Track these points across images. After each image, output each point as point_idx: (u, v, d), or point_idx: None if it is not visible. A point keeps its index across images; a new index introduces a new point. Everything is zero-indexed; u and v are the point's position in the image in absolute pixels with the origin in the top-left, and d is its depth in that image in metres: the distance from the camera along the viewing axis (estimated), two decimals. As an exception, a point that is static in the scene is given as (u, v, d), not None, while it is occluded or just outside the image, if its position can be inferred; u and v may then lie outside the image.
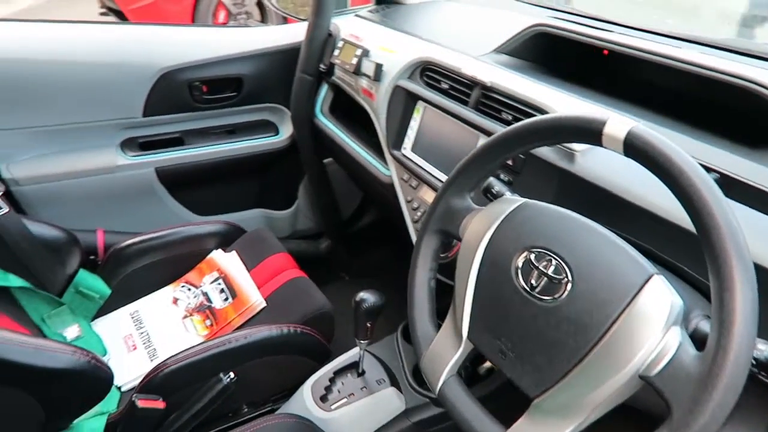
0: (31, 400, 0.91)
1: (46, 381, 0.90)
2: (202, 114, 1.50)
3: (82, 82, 1.33)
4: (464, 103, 1.01)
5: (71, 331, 1.24)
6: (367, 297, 0.98)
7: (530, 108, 0.88)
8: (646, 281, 0.56)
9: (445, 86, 1.06)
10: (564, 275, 0.60)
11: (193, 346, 1.11)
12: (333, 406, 1.02)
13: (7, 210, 1.17)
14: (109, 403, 1.08)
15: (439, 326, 0.75)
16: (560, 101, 0.87)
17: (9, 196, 1.33)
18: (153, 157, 1.47)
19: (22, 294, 1.20)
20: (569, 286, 0.59)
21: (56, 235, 1.25)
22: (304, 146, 1.56)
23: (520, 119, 0.90)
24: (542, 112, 0.86)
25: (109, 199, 1.45)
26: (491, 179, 0.85)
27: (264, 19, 4.46)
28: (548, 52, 1.10)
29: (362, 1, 1.62)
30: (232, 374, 0.99)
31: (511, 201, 0.71)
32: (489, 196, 0.81)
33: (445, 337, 0.72)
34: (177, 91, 1.43)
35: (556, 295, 0.60)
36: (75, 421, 1.01)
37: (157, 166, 1.48)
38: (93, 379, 0.95)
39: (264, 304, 1.27)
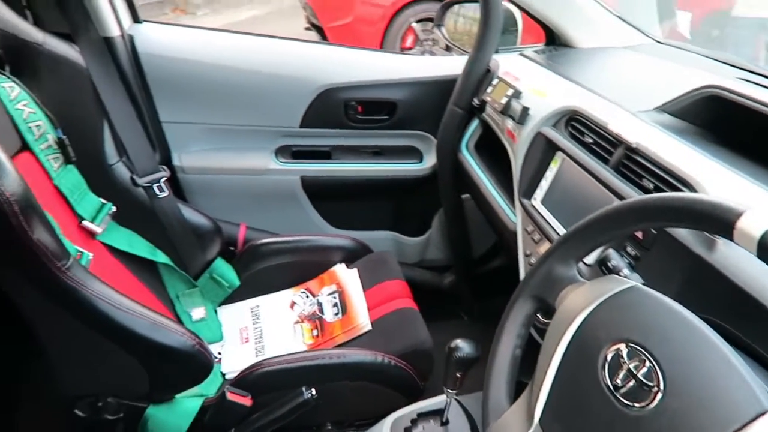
0: (141, 369, 1.00)
1: (155, 354, 0.98)
2: (353, 132, 1.56)
3: (252, 89, 1.46)
4: (605, 161, 0.92)
5: (198, 312, 1.35)
6: (462, 346, 0.94)
7: (674, 178, 0.78)
8: (757, 417, 0.45)
9: (588, 140, 0.98)
10: (655, 383, 0.51)
11: (293, 353, 1.15)
12: (408, 448, 0.99)
13: (167, 194, 1.31)
14: (210, 388, 1.15)
15: (515, 399, 0.68)
16: (711, 176, 0.75)
17: (174, 182, 1.49)
18: (301, 165, 1.56)
19: (165, 270, 1.33)
20: (659, 396, 0.50)
21: (203, 223, 1.38)
22: (445, 178, 1.54)
23: (663, 190, 0.79)
24: (686, 185, 0.75)
25: (255, 198, 1.57)
26: (611, 251, 0.77)
27: (449, 48, 4.56)
28: (721, 118, 0.97)
29: (533, 40, 1.57)
30: (314, 390, 1.00)
31: (620, 281, 0.63)
32: (603, 269, 0.73)
33: (517, 414, 0.65)
34: (333, 108, 1.51)
35: (642, 404, 0.51)
36: (177, 396, 1.09)
37: (303, 175, 1.56)
38: (196, 362, 1.02)
39: (369, 327, 1.27)
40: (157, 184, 1.30)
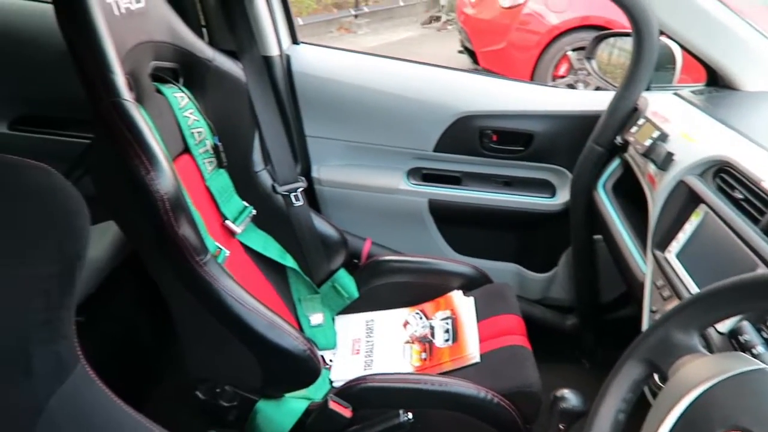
0: (256, 364, 1.08)
1: (270, 353, 1.05)
2: (486, 160, 1.55)
3: (392, 111, 1.51)
4: (755, 221, 0.83)
5: (316, 318, 1.42)
6: (569, 397, 0.89)
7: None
8: None
9: (738, 195, 0.89)
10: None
11: (397, 374, 1.17)
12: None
13: (302, 203, 1.40)
14: (317, 393, 1.20)
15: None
16: None
17: (310, 193, 1.59)
18: (430, 189, 1.58)
19: (291, 273, 1.42)
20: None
21: (332, 234, 1.45)
22: (577, 216, 1.48)
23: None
24: None
25: (383, 216, 1.62)
26: (746, 323, 0.69)
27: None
28: None
29: (693, 80, 1.46)
30: (411, 414, 1.00)
31: (747, 361, 0.56)
32: (733, 342, 0.65)
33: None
34: (468, 135, 1.51)
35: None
36: (285, 395, 1.16)
37: (431, 198, 1.58)
38: (305, 366, 1.07)
39: (478, 359, 1.25)
40: (295, 194, 1.39)
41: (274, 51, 1.48)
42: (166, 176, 0.92)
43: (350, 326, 1.45)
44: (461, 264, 1.51)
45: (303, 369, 1.07)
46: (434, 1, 8.07)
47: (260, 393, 1.14)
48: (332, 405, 1.05)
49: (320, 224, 1.44)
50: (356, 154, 1.58)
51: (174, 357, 1.24)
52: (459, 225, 1.64)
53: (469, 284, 1.47)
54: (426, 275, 1.48)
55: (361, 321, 1.46)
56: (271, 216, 1.38)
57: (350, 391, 1.10)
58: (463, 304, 1.41)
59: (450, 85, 1.54)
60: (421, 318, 1.42)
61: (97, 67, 0.93)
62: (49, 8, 1.66)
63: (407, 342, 1.37)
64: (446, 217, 1.62)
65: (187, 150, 1.22)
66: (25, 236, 0.68)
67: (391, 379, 1.10)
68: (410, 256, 1.50)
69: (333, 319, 1.47)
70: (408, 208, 1.60)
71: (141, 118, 0.93)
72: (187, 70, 1.24)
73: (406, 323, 1.42)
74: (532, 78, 4.37)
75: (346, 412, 1.06)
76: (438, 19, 7.28)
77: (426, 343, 1.35)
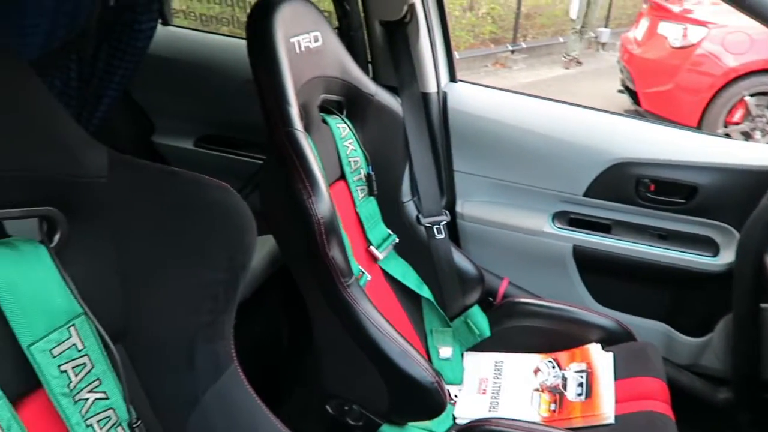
0: (384, 389, 1.11)
1: (398, 379, 1.08)
2: (640, 210, 1.47)
3: (543, 152, 1.50)
4: None
5: (445, 351, 1.43)
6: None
7: None
8: None
9: None
10: None
11: (524, 421, 1.14)
12: None
13: (444, 236, 1.43)
14: (439, 427, 1.21)
15: None
16: None
17: (452, 227, 1.61)
18: (576, 234, 1.53)
19: (426, 304, 1.44)
20: None
21: (470, 270, 1.46)
22: (743, 281, 1.34)
23: None
24: None
25: (523, 257, 1.59)
26: None
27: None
28: None
29: None
30: None
31: None
32: None
33: None
34: (623, 182, 1.45)
35: None
36: (408, 424, 1.18)
37: (576, 244, 1.53)
38: (431, 398, 1.09)
39: (611, 420, 1.18)
40: (437, 226, 1.42)
41: (432, 88, 1.53)
42: (324, 202, 1.00)
43: (479, 365, 1.43)
44: (603, 316, 1.44)
45: (429, 400, 1.09)
46: (595, 41, 7.81)
47: (385, 418, 1.17)
48: (452, 443, 1.05)
49: (459, 259, 1.45)
50: (502, 192, 1.58)
51: (307, 369, 1.32)
52: (604, 275, 1.56)
53: (609, 338, 1.39)
54: (563, 323, 1.43)
55: (491, 361, 1.44)
56: (412, 245, 1.43)
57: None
58: (601, 358, 1.34)
59: (607, 129, 1.49)
60: (553, 367, 1.37)
61: (276, 99, 1.04)
62: (236, 43, 1.88)
63: (537, 390, 1.33)
64: (591, 265, 1.55)
65: (343, 177, 1.31)
66: (202, 246, 0.78)
67: (517, 425, 1.08)
68: (548, 301, 1.46)
69: (462, 355, 1.47)
70: (550, 251, 1.56)
71: (308, 147, 1.03)
72: (351, 103, 1.33)
73: (537, 370, 1.38)
74: (700, 123, 4.05)
75: (467, 452, 1.06)
76: (578, 62, 7.02)
77: (556, 393, 1.30)
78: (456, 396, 1.36)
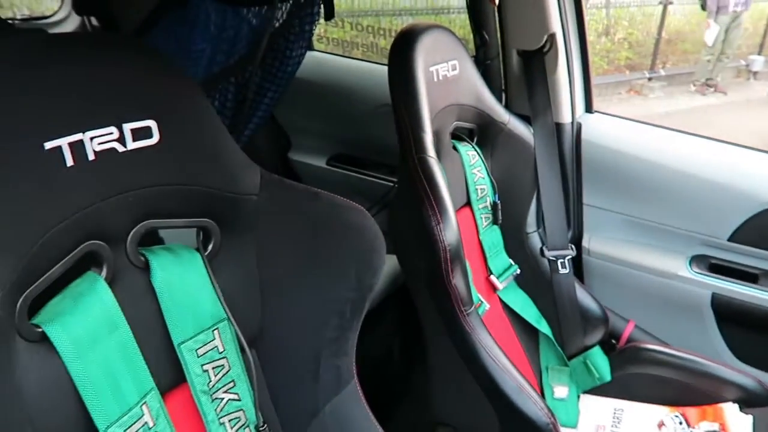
0: (496, 422, 1.09)
1: (511, 415, 1.06)
2: None
3: (683, 190, 1.40)
4: None
5: (560, 391, 1.37)
6: None
7: None
8: None
9: None
10: None
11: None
12: None
13: (568, 271, 1.38)
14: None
15: None
16: None
17: (577, 262, 1.55)
18: (718, 282, 1.41)
19: (544, 340, 1.40)
20: None
21: (593, 308, 1.40)
22: None
23: None
24: None
25: (654, 300, 1.49)
26: None
27: None
28: None
29: None
30: None
31: None
32: None
33: None
34: (776, 231, 1.32)
35: None
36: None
37: (716, 292, 1.41)
38: None
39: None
40: (562, 260, 1.38)
41: (566, 118, 1.49)
42: (452, 229, 1.01)
43: (596, 410, 1.36)
44: (742, 374, 1.31)
45: (542, 442, 1.05)
46: (746, 70, 7.18)
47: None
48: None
49: (582, 296, 1.40)
50: (635, 229, 1.50)
51: (417, 389, 1.32)
52: (747, 328, 1.42)
53: (748, 399, 1.27)
54: (695, 377, 1.32)
55: (609, 407, 1.36)
56: (533, 278, 1.39)
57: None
58: (738, 421, 1.22)
59: (760, 170, 1.36)
60: (681, 423, 1.27)
61: (412, 125, 1.07)
62: (371, 68, 1.95)
63: (660, 445, 1.24)
64: (732, 316, 1.42)
65: (468, 203, 1.31)
66: (336, 264, 0.82)
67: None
68: (679, 350, 1.36)
69: (578, 397, 1.41)
70: (685, 297, 1.45)
71: (440, 175, 1.04)
72: (483, 131, 1.34)
73: (661, 424, 1.29)
74: None
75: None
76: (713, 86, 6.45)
77: (683, 453, 1.20)
78: (564, 440, 1.30)
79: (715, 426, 1.23)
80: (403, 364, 1.60)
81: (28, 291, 0.57)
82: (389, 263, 1.49)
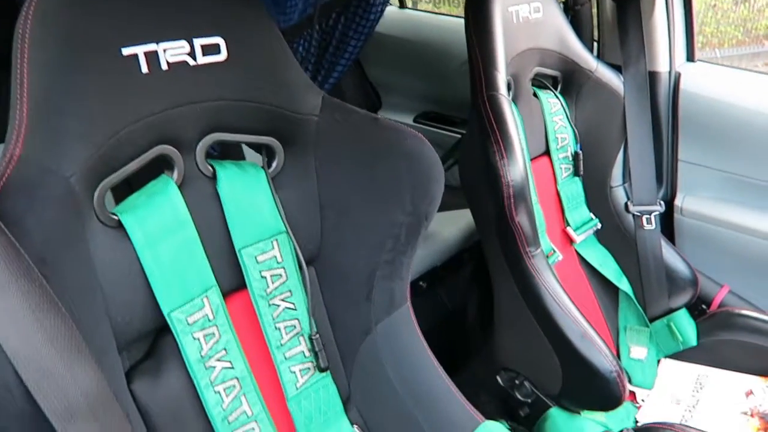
0: (559, 370, 1.08)
1: (574, 362, 1.04)
2: None
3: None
4: None
5: (638, 352, 1.32)
6: None
7: None
8: None
9: None
10: None
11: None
12: None
13: (654, 227, 1.31)
14: (616, 424, 1.13)
15: None
16: None
17: (668, 221, 1.46)
18: None
19: (624, 298, 1.34)
20: None
21: (682, 270, 1.32)
22: None
23: None
24: None
25: (751, 263, 1.37)
26: None
27: None
28: None
29: None
30: None
31: None
32: None
33: None
34: None
35: None
36: (582, 413, 1.12)
37: (826, 257, 1.28)
38: (607, 389, 1.02)
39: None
40: (648, 216, 1.31)
41: (663, 67, 1.40)
42: (516, 166, 1.00)
43: (677, 374, 1.29)
44: None
45: (604, 390, 1.02)
46: None
47: (556, 400, 1.13)
48: (627, 442, 0.98)
49: (670, 256, 1.32)
50: (734, 188, 1.38)
51: (486, 343, 1.32)
52: None
53: None
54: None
55: (692, 373, 1.28)
56: (615, 234, 1.34)
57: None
58: (840, 397, 1.11)
59: None
60: (773, 394, 1.18)
61: (483, 63, 1.06)
62: (459, 23, 1.93)
63: (744, 413, 1.15)
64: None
65: (547, 152, 1.28)
66: (393, 188, 0.84)
67: (703, 438, 0.96)
68: None
69: (658, 362, 1.34)
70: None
71: (509, 112, 1.03)
72: (568, 78, 1.29)
73: (750, 392, 1.20)
74: None
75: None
76: None
77: (769, 422, 1.11)
78: (643, 401, 1.25)
79: (812, 400, 1.12)
80: (477, 319, 1.60)
81: (106, 180, 0.64)
82: (464, 218, 1.50)
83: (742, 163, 1.37)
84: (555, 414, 1.12)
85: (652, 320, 1.34)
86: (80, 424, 0.49)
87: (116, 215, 0.66)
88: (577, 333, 1.02)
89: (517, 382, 1.16)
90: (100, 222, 0.64)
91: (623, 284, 1.32)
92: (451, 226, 1.54)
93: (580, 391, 1.08)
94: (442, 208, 1.65)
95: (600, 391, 1.03)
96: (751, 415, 1.14)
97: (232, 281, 0.78)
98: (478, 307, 1.57)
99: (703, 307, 1.36)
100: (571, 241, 1.29)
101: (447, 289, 1.52)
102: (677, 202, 1.46)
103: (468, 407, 0.85)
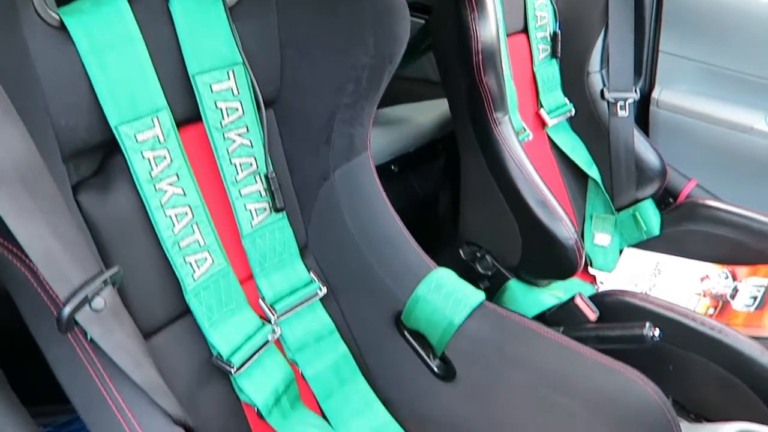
0: (519, 242, 1.09)
1: (533, 228, 1.05)
2: None
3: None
4: None
5: (602, 238, 1.34)
6: None
7: None
8: None
9: None
10: None
11: (666, 300, 1.02)
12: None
13: (627, 115, 1.30)
14: (571, 289, 1.15)
15: None
16: None
17: (643, 112, 1.45)
18: None
19: (592, 186, 1.35)
20: None
21: (652, 160, 1.32)
22: None
23: None
24: None
25: (721, 156, 1.38)
26: None
27: None
28: None
29: None
30: (657, 332, 0.87)
31: None
32: None
33: None
34: None
35: None
36: (538, 285, 1.14)
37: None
38: (564, 255, 1.05)
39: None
40: (622, 102, 1.29)
41: (650, -48, 1.35)
42: (487, 25, 0.98)
43: (637, 261, 1.32)
44: None
45: (562, 258, 1.04)
46: None
47: (515, 273, 1.15)
48: (578, 301, 1.00)
49: (642, 145, 1.32)
50: (713, 80, 1.37)
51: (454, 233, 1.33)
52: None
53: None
54: (754, 236, 1.23)
55: (652, 261, 1.31)
56: (589, 121, 1.33)
57: (603, 299, 1.03)
58: (792, 280, 1.14)
59: None
60: (726, 277, 1.21)
61: None
62: None
63: (698, 293, 1.18)
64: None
65: (525, 30, 1.25)
66: (355, 29, 0.82)
67: (656, 302, 0.98)
68: (743, 208, 1.26)
69: (620, 251, 1.36)
70: (757, 153, 1.32)
71: None
72: None
73: (705, 277, 1.23)
74: None
75: (590, 315, 0.99)
76: None
77: (719, 300, 1.15)
78: (601, 283, 1.28)
79: (765, 281, 1.15)
80: (449, 211, 1.61)
81: None
82: (440, 108, 1.47)
83: (723, 55, 1.35)
84: (513, 286, 1.14)
85: (618, 210, 1.35)
86: (6, 188, 0.48)
87: (58, 15, 0.63)
88: (537, 200, 1.03)
89: (478, 254, 1.17)
90: (40, 19, 0.62)
91: (593, 171, 1.33)
92: (426, 113, 1.52)
93: (538, 259, 1.09)
94: (418, 99, 1.62)
95: (557, 259, 1.04)
96: (704, 296, 1.17)
97: (186, 110, 0.76)
98: (451, 198, 1.57)
99: (670, 200, 1.38)
100: (543, 124, 1.28)
101: (418, 177, 1.52)
102: (654, 94, 1.44)
103: (422, 255, 0.86)
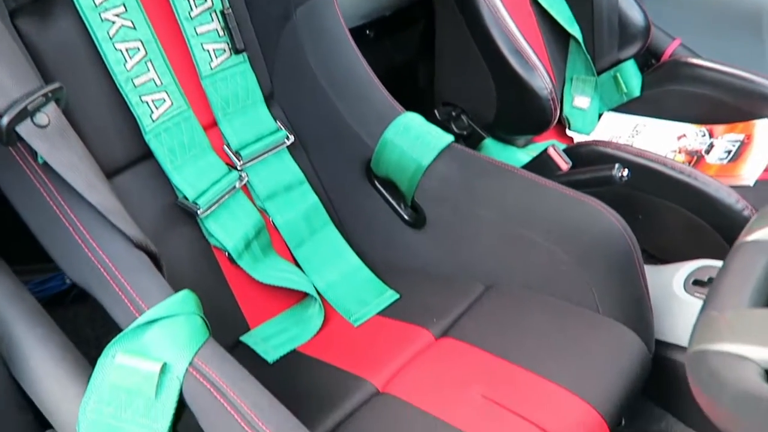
0: (494, 95, 1.06)
1: (509, 81, 1.02)
2: None
3: None
4: None
5: (581, 101, 1.30)
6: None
7: None
8: None
9: None
10: None
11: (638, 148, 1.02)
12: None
13: None
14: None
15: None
16: None
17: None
18: None
19: (574, 47, 1.30)
20: None
21: (636, 18, 1.27)
22: None
23: None
24: None
25: (706, 13, 1.32)
26: None
27: None
28: None
29: None
30: (626, 172, 0.87)
31: None
32: None
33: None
34: None
35: None
36: (511, 143, 1.13)
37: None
38: (540, 109, 1.04)
39: (749, 183, 1.02)
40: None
41: None
42: None
43: (615, 125, 1.29)
44: None
45: (536, 110, 1.02)
46: None
47: (491, 131, 1.14)
48: (551, 151, 0.98)
49: (626, 4, 1.26)
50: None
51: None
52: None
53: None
54: (735, 94, 1.20)
55: (631, 123, 1.29)
56: None
57: (576, 150, 1.02)
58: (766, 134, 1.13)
59: None
60: (704, 135, 1.20)
61: None
62: None
63: (673, 150, 1.18)
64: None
65: None
66: None
67: (627, 149, 0.98)
68: (725, 65, 1.22)
69: (600, 115, 1.33)
70: (741, 8, 1.27)
71: None
72: None
73: (682, 136, 1.21)
74: None
75: (563, 165, 0.99)
76: None
77: (694, 156, 1.14)
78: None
79: (741, 137, 1.14)
80: (425, 81, 1.57)
81: None
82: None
83: None
84: (489, 144, 1.13)
85: (599, 73, 1.31)
86: None
87: None
88: (514, 51, 1.00)
89: (454, 114, 1.15)
90: None
91: (575, 30, 1.27)
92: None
93: (513, 113, 1.08)
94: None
95: (532, 112, 1.03)
96: (679, 152, 1.17)
97: None
98: (429, 67, 1.53)
99: (653, 62, 1.34)
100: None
101: (395, 42, 1.45)
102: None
103: (390, 99, 0.84)
